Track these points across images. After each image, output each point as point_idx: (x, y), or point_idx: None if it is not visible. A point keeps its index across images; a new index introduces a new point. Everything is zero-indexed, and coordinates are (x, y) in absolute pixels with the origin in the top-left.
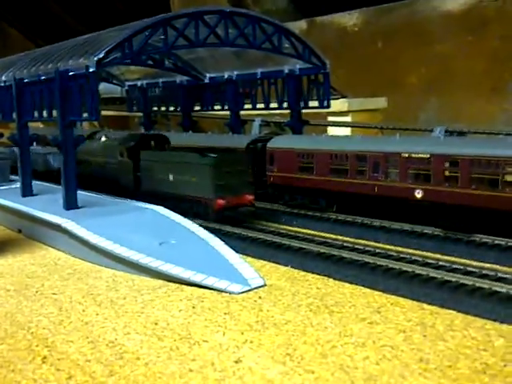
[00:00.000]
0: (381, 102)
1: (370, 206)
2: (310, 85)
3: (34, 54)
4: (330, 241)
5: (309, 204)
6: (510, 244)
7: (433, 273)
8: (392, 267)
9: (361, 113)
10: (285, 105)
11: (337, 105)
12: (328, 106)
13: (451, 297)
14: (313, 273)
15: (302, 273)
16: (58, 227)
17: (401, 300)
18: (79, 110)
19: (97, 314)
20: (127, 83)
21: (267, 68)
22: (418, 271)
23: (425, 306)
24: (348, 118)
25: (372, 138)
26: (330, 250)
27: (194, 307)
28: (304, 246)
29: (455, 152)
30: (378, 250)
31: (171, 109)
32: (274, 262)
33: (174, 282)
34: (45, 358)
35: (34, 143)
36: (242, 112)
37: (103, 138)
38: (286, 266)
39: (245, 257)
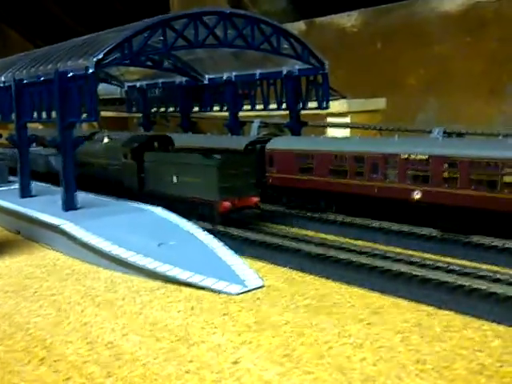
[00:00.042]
0: (380, 103)
1: (368, 207)
2: (308, 86)
3: (34, 55)
4: (328, 242)
5: (308, 205)
6: (507, 245)
7: (431, 274)
8: (390, 268)
9: (360, 114)
10: (284, 106)
11: (336, 106)
12: (327, 107)
13: (449, 298)
14: (311, 274)
15: (301, 274)
16: (56, 228)
17: (399, 301)
18: (78, 111)
19: (95, 315)
20: (126, 84)
21: (266, 69)
22: (416, 272)
23: (422, 306)
24: (347, 119)
25: (371, 139)
26: (329, 251)
27: (192, 308)
28: (302, 247)
29: (454, 153)
30: (376, 251)
31: (170, 110)
32: (272, 263)
33: (173, 283)
34: (43, 359)
35: (34, 144)
36: (240, 113)
37: (106, 140)
38: (285, 267)
39: (243, 258)
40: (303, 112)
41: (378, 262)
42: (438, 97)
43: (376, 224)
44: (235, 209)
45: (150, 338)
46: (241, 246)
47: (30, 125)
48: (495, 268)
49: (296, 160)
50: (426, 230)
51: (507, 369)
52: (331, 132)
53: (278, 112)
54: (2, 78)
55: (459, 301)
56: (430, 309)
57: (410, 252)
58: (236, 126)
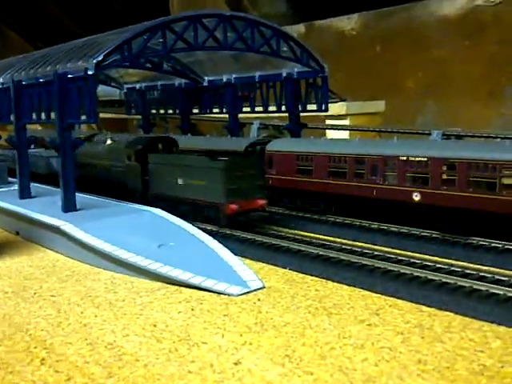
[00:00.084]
0: (379, 106)
1: (368, 209)
2: (308, 88)
3: (33, 57)
4: (328, 243)
5: (307, 206)
6: (506, 247)
7: (431, 275)
8: (390, 269)
9: (359, 116)
10: (283, 108)
11: (335, 108)
12: (326, 110)
13: (449, 299)
14: (311, 275)
15: (301, 275)
16: (56, 229)
17: (399, 302)
18: (78, 113)
19: (95, 316)
20: (126, 86)
21: (266, 71)
22: (416, 273)
23: (423, 308)
24: (346, 122)
25: (370, 141)
26: (329, 252)
27: (192, 309)
28: (302, 249)
29: (453, 155)
30: (376, 253)
31: (170, 111)
32: (272, 264)
33: (173, 284)
34: (43, 359)
35: (33, 146)
36: (240, 115)
37: (109, 141)
38: (285, 268)
39: (243, 259)
40: (302, 114)
41: (378, 264)
42: (436, 100)
43: (375, 225)
44: (242, 211)
45: (151, 339)
46: (241, 247)
47: (28, 126)
48: (495, 269)
49: (295, 162)
50: (425, 232)
51: (508, 369)
52: (330, 134)
53: (277, 114)
54: (1, 80)
55: (459, 302)
56: (431, 310)
57: (410, 253)
58: (236, 127)
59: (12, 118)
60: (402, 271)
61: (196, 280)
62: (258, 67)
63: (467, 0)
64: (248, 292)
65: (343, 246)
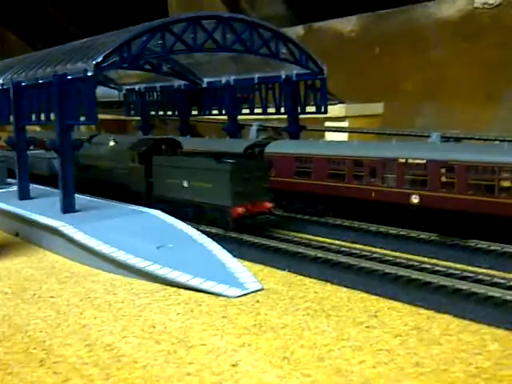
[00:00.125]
0: (378, 108)
1: (367, 211)
2: (307, 90)
3: (32, 58)
4: (327, 245)
5: (306, 208)
6: (505, 249)
7: (429, 277)
8: (389, 272)
9: (358, 118)
10: (282, 110)
11: (334, 110)
12: (325, 112)
13: (447, 301)
14: (310, 277)
15: (300, 277)
16: (55, 231)
17: (397, 304)
18: (77, 114)
19: (94, 318)
20: (125, 87)
21: (264, 73)
22: (414, 276)
23: (421, 310)
24: (345, 124)
25: (369, 144)
26: (328, 254)
27: (191, 311)
28: (301, 251)
29: (452, 158)
30: (374, 255)
31: (169, 113)
32: (271, 266)
33: (172, 285)
34: (42, 361)
35: (31, 146)
36: (239, 117)
37: (112, 143)
38: (284, 270)
39: (242, 261)
40: (301, 116)
41: (377, 266)
42: (434, 102)
43: (374, 228)
44: (249, 215)
45: (150, 341)
46: (240, 249)
47: (28, 127)
48: (493, 272)
49: (294, 164)
50: (424, 234)
51: (505, 372)
52: (329, 136)
53: (276, 116)
54: (1, 81)
55: (457, 304)
56: (429, 312)
57: (408, 256)
58: (235, 129)
59: (11, 119)
60: (401, 273)
61: (195, 282)
62: (256, 69)
63: (466, 3)
64: (247, 294)
65: (342, 248)
